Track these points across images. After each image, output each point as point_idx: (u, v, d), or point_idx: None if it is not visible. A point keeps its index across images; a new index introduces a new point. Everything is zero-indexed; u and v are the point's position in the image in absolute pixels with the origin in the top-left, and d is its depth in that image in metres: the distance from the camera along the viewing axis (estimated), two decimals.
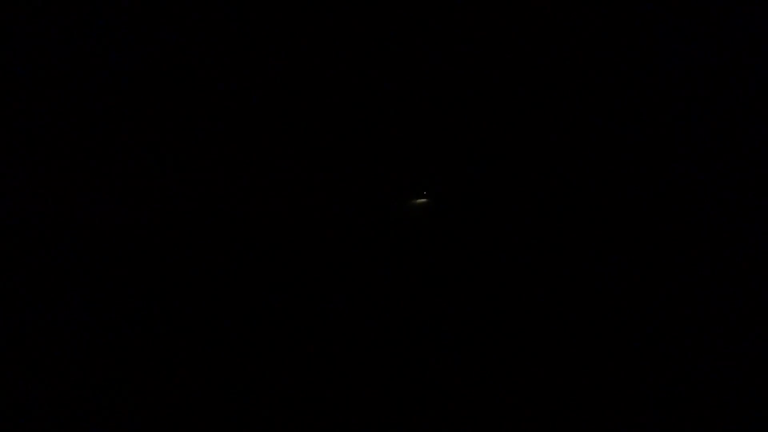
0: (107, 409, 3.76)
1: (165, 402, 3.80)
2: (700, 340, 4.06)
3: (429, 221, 4.16)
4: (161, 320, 3.93)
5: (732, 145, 4.19)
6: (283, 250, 4.06)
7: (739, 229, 4.15)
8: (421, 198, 4.17)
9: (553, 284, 4.14)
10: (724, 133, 4.20)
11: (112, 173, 4.04)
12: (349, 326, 4.03)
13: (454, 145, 4.20)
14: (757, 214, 4.12)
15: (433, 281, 4.13)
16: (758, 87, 4.16)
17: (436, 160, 4.19)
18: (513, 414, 3.85)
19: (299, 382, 3.90)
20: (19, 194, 3.96)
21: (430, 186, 4.18)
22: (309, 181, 4.09)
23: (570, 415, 3.86)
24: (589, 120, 4.22)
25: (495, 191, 4.21)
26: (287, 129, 4.09)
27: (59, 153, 4.01)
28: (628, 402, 3.95)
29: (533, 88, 4.20)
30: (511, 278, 4.14)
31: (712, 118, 4.21)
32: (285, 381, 3.89)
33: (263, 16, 4.01)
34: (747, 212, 4.13)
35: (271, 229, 4.06)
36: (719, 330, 4.05)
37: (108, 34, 3.99)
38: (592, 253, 4.18)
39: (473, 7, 4.13)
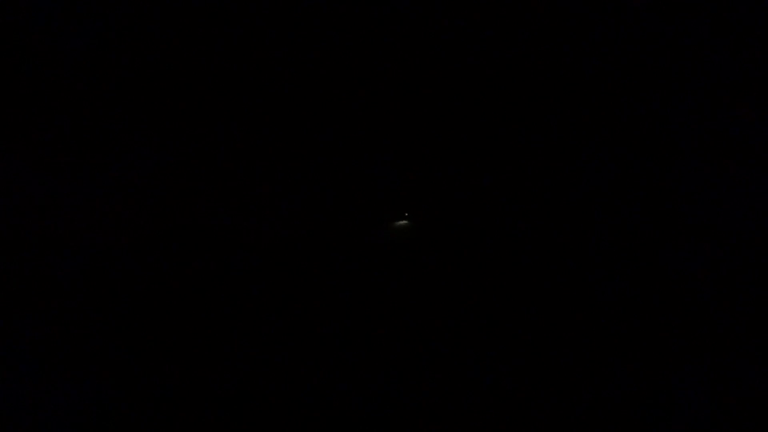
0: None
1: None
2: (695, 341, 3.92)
3: (410, 244, 4.12)
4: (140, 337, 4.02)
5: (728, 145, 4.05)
6: (261, 275, 4.09)
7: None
8: (402, 220, 4.14)
9: (539, 307, 4.05)
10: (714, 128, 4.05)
11: (103, 184, 4.15)
12: (328, 351, 4.02)
13: (435, 167, 4.17)
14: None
15: (414, 305, 4.08)
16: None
17: (417, 182, 4.17)
18: None
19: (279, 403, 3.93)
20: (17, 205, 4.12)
21: (411, 208, 4.16)
22: (286, 203, 4.13)
23: None
24: (573, 141, 4.14)
25: (477, 213, 4.15)
26: (264, 150, 4.15)
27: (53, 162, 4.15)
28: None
29: (515, 109, 4.15)
30: (495, 301, 4.06)
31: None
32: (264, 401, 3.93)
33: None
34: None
35: (246, 255, 4.10)
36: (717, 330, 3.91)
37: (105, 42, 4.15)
38: (580, 276, 4.07)
39: (451, 34, 4.13)
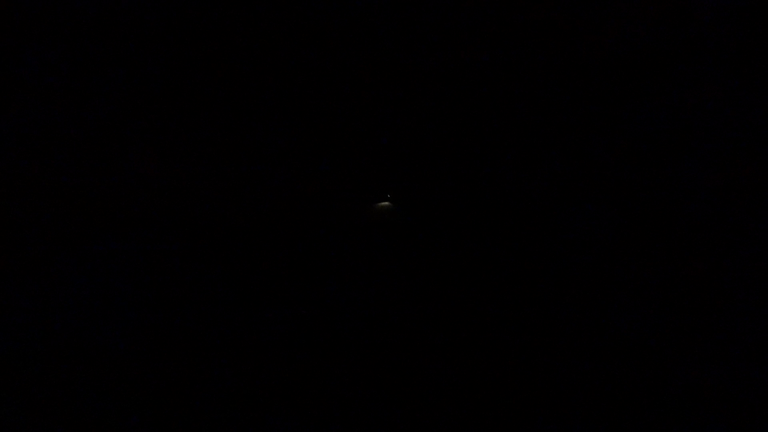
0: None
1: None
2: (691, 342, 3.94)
3: (392, 224, 4.22)
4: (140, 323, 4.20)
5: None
6: (247, 256, 4.22)
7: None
8: (384, 201, 4.23)
9: (517, 285, 4.11)
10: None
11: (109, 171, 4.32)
12: (313, 327, 4.14)
13: (416, 149, 4.24)
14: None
15: (396, 283, 4.18)
16: None
17: (399, 164, 4.25)
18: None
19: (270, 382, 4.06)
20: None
21: (393, 189, 4.24)
22: (270, 186, 4.24)
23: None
24: (548, 125, 4.18)
25: (457, 194, 4.21)
26: (249, 134, 4.27)
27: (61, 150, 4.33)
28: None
29: (495, 95, 4.19)
30: (474, 279, 4.14)
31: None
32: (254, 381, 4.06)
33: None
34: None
35: (230, 237, 4.22)
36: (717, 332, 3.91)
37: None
38: (557, 255, 4.12)
39: (435, 20, 4.18)
